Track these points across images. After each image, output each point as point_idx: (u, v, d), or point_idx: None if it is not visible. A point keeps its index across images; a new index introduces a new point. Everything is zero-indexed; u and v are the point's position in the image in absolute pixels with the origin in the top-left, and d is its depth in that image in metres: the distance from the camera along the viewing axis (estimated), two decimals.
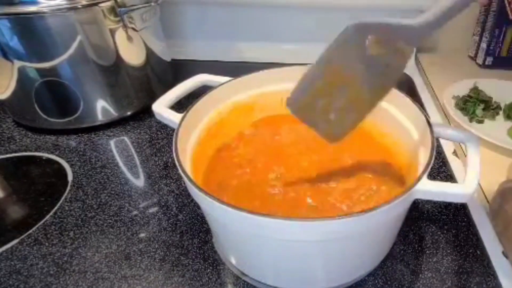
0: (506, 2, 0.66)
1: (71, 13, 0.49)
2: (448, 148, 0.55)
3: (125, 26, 0.54)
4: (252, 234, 0.32)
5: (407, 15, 0.28)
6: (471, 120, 0.59)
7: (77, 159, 0.54)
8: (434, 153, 0.33)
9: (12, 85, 0.54)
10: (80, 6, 0.49)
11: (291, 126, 0.47)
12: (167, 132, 0.59)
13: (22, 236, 0.43)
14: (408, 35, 0.27)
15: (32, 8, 0.47)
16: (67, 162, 0.53)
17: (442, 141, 0.55)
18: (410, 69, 0.75)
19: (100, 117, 0.59)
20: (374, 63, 0.29)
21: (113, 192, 0.49)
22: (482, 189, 0.47)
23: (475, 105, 0.60)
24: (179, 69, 0.71)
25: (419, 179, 0.30)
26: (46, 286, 0.38)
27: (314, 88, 0.32)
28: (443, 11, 0.25)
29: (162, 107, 0.41)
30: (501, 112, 0.60)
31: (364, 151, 0.43)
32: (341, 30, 0.30)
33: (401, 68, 0.30)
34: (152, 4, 0.55)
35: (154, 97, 0.43)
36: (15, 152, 0.56)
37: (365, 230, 0.31)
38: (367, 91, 0.31)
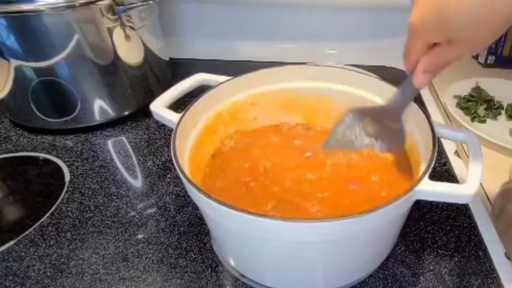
0: None
1: (68, 11, 0.49)
2: (450, 148, 0.54)
3: (123, 25, 0.54)
4: (251, 235, 0.31)
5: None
6: (472, 120, 0.58)
7: (74, 159, 0.54)
8: (436, 153, 0.32)
9: (9, 84, 0.54)
10: (77, 5, 0.49)
11: (290, 125, 0.47)
12: (165, 132, 0.58)
13: (19, 237, 0.43)
14: (390, 113, 0.35)
15: (29, 7, 0.47)
16: (64, 162, 0.53)
17: (443, 141, 0.55)
18: None
19: (98, 117, 0.58)
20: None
21: (110, 193, 0.48)
22: (484, 190, 0.46)
23: (477, 104, 0.60)
24: (178, 68, 0.70)
25: (420, 179, 0.30)
26: (43, 287, 0.38)
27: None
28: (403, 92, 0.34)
29: (160, 107, 0.41)
30: (503, 112, 0.60)
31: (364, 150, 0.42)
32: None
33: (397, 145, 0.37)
34: (150, 2, 0.55)
35: (152, 96, 0.43)
36: (12, 152, 0.55)
37: (365, 231, 0.30)
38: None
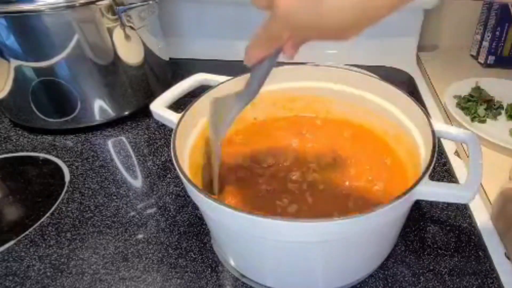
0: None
1: (68, 11, 0.49)
2: (449, 148, 0.54)
3: (123, 25, 0.54)
4: (251, 236, 0.31)
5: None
6: (472, 119, 0.58)
7: (74, 159, 0.53)
8: (436, 153, 0.32)
9: (9, 84, 0.54)
10: (77, 5, 0.49)
11: (290, 125, 0.47)
12: (165, 132, 0.58)
13: (19, 237, 0.42)
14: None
15: (29, 6, 0.47)
16: (64, 162, 0.53)
17: (443, 141, 0.55)
18: (411, 68, 0.75)
19: (98, 117, 0.58)
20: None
21: (110, 193, 0.48)
22: (484, 190, 0.46)
23: (477, 104, 0.60)
24: (178, 68, 0.70)
25: (420, 179, 0.30)
26: (43, 287, 0.38)
27: None
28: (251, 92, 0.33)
29: (160, 107, 0.41)
30: (503, 112, 0.60)
31: (365, 150, 0.42)
32: None
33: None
34: (150, 2, 0.55)
35: (152, 96, 0.43)
36: (12, 152, 0.55)
37: (365, 231, 0.30)
38: None
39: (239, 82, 0.44)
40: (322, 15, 0.22)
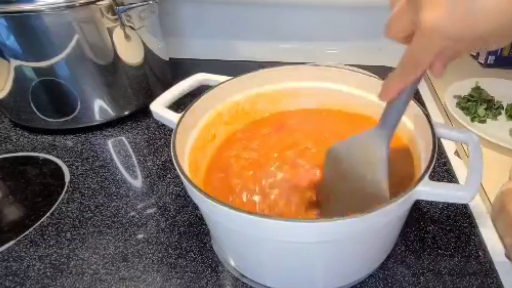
0: None
1: (68, 11, 0.49)
2: (450, 148, 0.54)
3: (123, 25, 0.54)
4: (251, 235, 0.31)
5: None
6: (473, 120, 0.58)
7: (74, 159, 0.53)
8: (436, 153, 0.32)
9: (9, 84, 0.54)
10: (77, 4, 0.49)
11: (291, 124, 0.47)
12: (165, 132, 0.58)
13: (19, 237, 0.42)
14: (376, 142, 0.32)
15: (29, 6, 0.47)
16: (64, 162, 0.53)
17: (443, 141, 0.55)
18: None
19: (98, 117, 0.58)
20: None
21: (110, 193, 0.48)
22: (484, 190, 0.46)
23: (477, 104, 0.60)
24: (178, 68, 0.70)
25: (420, 179, 0.30)
26: (43, 287, 0.38)
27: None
28: (393, 125, 0.30)
29: (160, 107, 0.41)
30: (503, 112, 0.60)
31: None
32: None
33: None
34: (150, 2, 0.55)
35: (152, 96, 0.43)
36: (12, 152, 0.55)
37: (365, 231, 0.30)
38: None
39: (239, 82, 0.44)
40: (476, 22, 0.19)
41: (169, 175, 0.50)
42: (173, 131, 0.36)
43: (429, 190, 0.30)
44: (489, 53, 0.71)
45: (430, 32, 0.21)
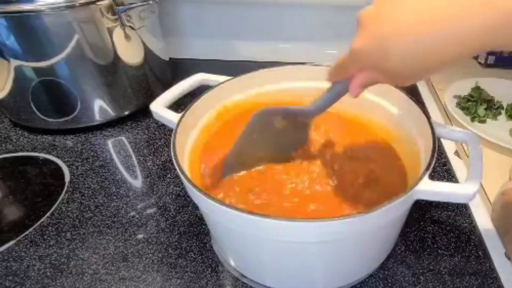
0: None
1: (68, 11, 0.49)
2: (450, 148, 0.54)
3: (123, 25, 0.54)
4: (251, 235, 0.31)
5: None
6: (473, 120, 0.58)
7: (74, 159, 0.54)
8: (436, 153, 0.32)
9: (9, 84, 0.54)
10: (77, 4, 0.49)
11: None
12: (165, 132, 0.58)
13: (19, 237, 0.42)
14: (305, 114, 0.37)
15: (29, 6, 0.47)
16: (64, 162, 0.53)
17: (444, 141, 0.55)
18: None
19: (98, 117, 0.58)
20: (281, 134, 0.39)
21: (110, 193, 0.48)
22: (484, 190, 0.46)
23: (477, 104, 0.60)
24: (178, 68, 0.70)
25: (420, 179, 0.30)
26: (43, 287, 0.38)
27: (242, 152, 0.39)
28: (328, 100, 0.35)
29: (160, 107, 0.41)
30: (503, 112, 0.60)
31: (366, 150, 0.42)
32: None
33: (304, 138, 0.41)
34: (150, 2, 0.55)
35: (152, 96, 0.43)
36: (12, 152, 0.55)
37: (365, 231, 0.30)
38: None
39: (239, 82, 0.44)
40: (386, 59, 0.25)
41: (169, 175, 0.50)
42: (173, 131, 0.36)
43: (429, 190, 0.30)
44: (489, 53, 0.71)
45: (354, 53, 0.28)
